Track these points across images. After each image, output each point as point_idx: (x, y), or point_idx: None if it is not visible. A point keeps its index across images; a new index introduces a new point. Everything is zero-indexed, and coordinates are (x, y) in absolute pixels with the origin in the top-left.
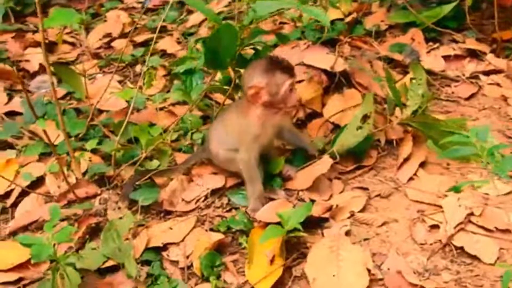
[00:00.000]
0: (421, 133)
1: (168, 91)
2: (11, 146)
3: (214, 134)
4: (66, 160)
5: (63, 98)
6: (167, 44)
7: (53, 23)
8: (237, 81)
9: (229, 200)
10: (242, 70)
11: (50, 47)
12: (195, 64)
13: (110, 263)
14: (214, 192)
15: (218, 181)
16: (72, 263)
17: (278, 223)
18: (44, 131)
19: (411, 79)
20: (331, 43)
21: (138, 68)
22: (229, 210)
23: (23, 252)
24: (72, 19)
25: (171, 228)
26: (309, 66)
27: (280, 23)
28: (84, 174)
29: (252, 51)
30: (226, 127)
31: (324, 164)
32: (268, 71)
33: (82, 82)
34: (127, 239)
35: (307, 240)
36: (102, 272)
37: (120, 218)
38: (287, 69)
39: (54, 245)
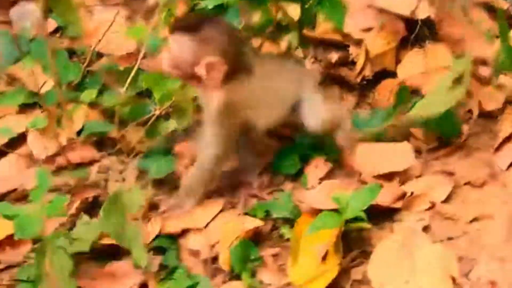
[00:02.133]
0: None
1: None
2: None
3: None
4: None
5: (51, 34)
6: None
7: None
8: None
9: (273, 173)
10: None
11: None
12: None
13: (109, 245)
14: None
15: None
16: (61, 246)
17: (334, 210)
18: (32, 73)
19: None
20: None
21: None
22: (270, 193)
23: None
24: None
25: (190, 212)
26: (381, 10)
27: None
28: (78, 133)
29: None
30: None
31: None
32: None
33: (80, 14)
34: (135, 219)
35: (372, 235)
36: (99, 257)
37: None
38: None
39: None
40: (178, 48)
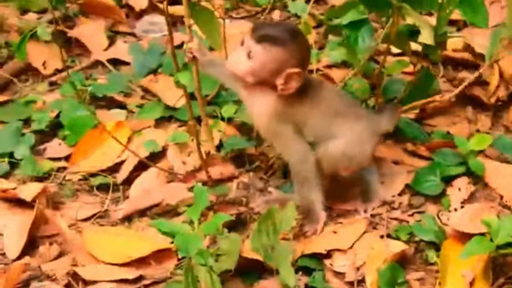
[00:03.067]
0: None
1: (320, 49)
2: (119, 105)
3: None
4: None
5: (177, 47)
6: None
7: None
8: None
9: (412, 193)
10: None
11: None
12: (364, 15)
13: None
14: None
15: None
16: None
17: (481, 235)
18: (184, 87)
19: None
20: None
21: (276, 14)
22: (411, 214)
23: (143, 244)
24: None
25: (335, 232)
26: None
27: None
28: (217, 148)
29: None
30: None
31: None
32: None
33: (219, 29)
34: (285, 239)
35: None
36: (243, 274)
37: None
38: None
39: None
40: (265, 57)
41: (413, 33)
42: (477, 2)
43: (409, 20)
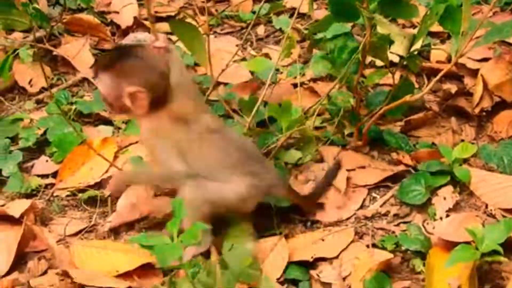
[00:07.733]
0: None
1: (305, 63)
2: (105, 121)
3: None
4: None
5: None
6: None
7: None
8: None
9: (400, 203)
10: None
11: None
12: (347, 28)
13: None
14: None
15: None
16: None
17: (467, 243)
18: None
19: None
20: None
21: (260, 29)
22: (397, 224)
23: (130, 257)
24: None
25: (323, 240)
26: (497, 41)
27: None
28: None
29: None
30: None
31: None
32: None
33: (204, 45)
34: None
35: (503, 268)
36: None
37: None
38: None
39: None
40: (103, 86)
41: (392, 43)
42: (456, 12)
43: (381, 31)
